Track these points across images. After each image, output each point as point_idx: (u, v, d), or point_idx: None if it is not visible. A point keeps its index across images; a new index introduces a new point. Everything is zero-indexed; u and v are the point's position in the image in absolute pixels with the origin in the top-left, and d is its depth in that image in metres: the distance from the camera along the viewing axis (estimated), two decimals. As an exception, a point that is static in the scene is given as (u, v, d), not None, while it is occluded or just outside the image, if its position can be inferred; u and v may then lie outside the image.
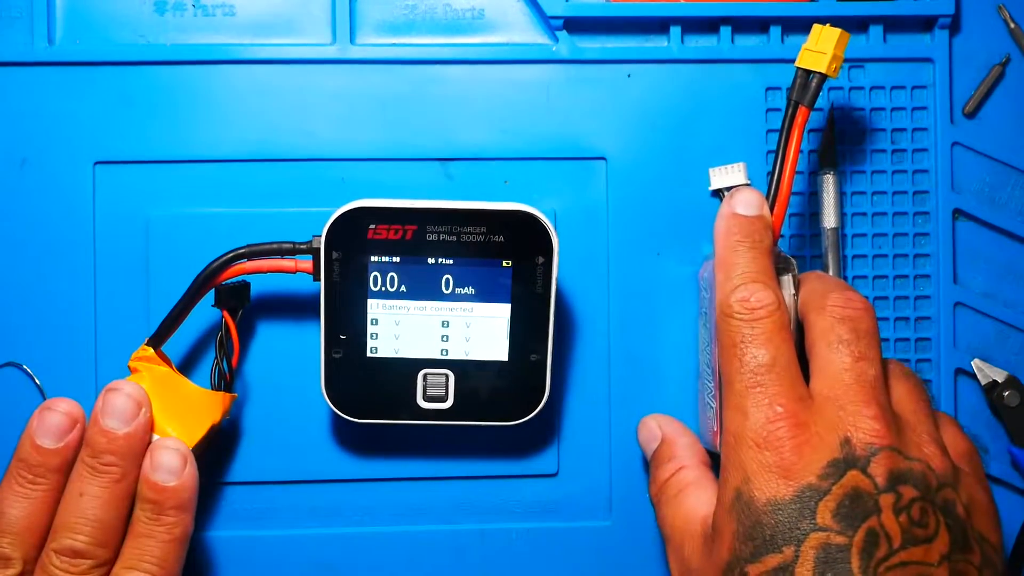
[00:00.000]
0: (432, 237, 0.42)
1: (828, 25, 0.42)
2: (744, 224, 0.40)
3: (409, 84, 0.48)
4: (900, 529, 0.34)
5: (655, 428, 0.45)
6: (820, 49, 0.41)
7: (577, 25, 0.48)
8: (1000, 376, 0.48)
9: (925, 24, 0.49)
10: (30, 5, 0.47)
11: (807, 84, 0.42)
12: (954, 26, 0.49)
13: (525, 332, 0.43)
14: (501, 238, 0.42)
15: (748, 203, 0.41)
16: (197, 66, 0.47)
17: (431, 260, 0.42)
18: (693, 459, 0.43)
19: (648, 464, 0.45)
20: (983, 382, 0.48)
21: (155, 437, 0.42)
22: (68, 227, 0.46)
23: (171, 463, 0.40)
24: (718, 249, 0.41)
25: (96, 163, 0.47)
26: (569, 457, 0.48)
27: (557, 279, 0.42)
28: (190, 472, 0.41)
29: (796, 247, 0.48)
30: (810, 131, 0.48)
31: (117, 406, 0.40)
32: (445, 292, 0.43)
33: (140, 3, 0.47)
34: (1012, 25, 0.49)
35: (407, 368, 0.43)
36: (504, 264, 0.42)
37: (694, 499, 0.40)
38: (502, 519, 0.48)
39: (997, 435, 0.49)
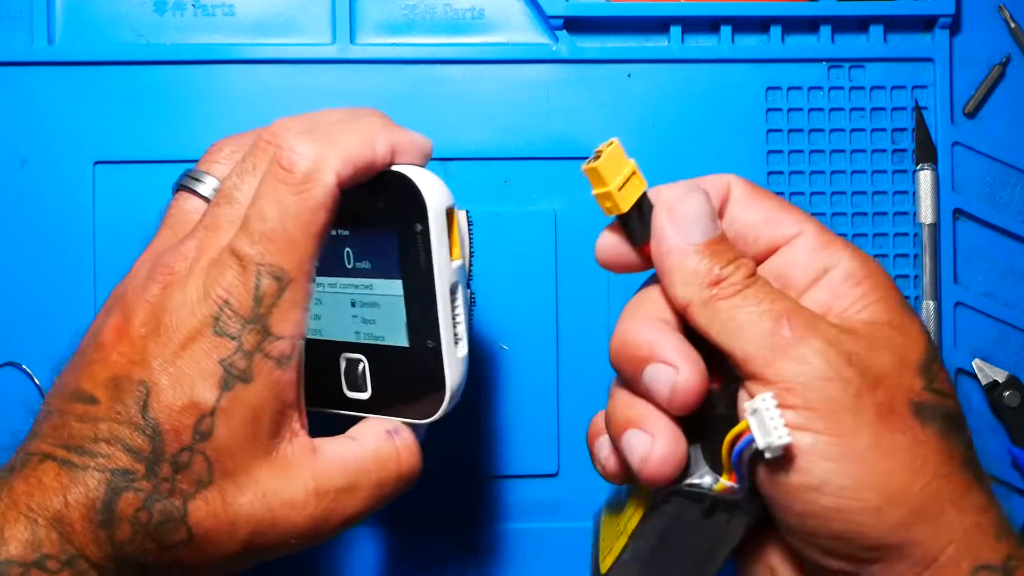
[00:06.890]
0: None
1: (588, 162, 0.33)
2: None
3: (409, 84, 0.48)
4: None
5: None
6: (602, 191, 0.33)
7: (577, 25, 0.48)
8: (1000, 376, 0.48)
9: (925, 24, 0.49)
10: (30, 5, 0.47)
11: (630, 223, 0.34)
12: (954, 26, 0.49)
13: (419, 314, 0.36)
14: (382, 204, 0.35)
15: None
16: (197, 66, 0.47)
17: (333, 231, 0.36)
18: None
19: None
20: (983, 382, 0.48)
21: None
22: (68, 227, 0.46)
23: None
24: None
25: (96, 163, 0.47)
26: (569, 457, 0.48)
27: (441, 250, 0.35)
28: None
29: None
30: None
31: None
32: (348, 267, 0.37)
33: (140, 3, 0.47)
34: (1012, 25, 0.49)
35: (329, 351, 0.38)
36: (395, 235, 0.35)
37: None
38: (502, 519, 0.48)
39: (997, 435, 0.49)
